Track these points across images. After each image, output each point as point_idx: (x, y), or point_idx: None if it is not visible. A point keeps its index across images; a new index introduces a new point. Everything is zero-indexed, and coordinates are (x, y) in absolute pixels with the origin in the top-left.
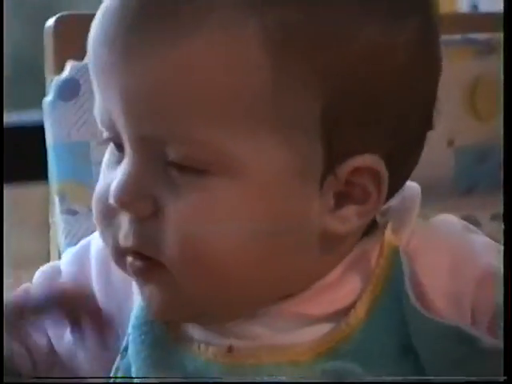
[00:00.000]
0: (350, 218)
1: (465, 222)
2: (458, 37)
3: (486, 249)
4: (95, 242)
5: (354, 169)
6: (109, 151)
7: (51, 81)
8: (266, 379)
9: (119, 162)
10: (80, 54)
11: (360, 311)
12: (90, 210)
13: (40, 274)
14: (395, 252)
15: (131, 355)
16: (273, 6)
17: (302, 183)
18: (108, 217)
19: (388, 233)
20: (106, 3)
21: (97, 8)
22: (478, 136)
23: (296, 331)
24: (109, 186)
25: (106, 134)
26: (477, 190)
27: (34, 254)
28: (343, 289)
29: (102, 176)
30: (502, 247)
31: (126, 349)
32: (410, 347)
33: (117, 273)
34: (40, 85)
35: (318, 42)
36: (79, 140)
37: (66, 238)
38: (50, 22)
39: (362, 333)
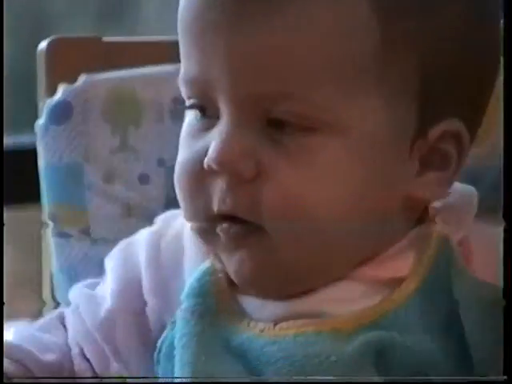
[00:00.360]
0: (431, 185)
1: None
2: None
3: None
4: (140, 235)
5: (441, 133)
6: (189, 123)
7: (44, 104)
8: (266, 379)
9: (207, 128)
10: (72, 77)
11: (407, 288)
12: (82, 233)
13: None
14: (446, 242)
15: (179, 324)
16: None
17: (397, 146)
18: (199, 185)
19: (440, 225)
20: None
21: (89, 32)
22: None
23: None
24: (199, 152)
25: (192, 101)
26: None
27: (27, 276)
28: (399, 262)
29: (183, 148)
30: None
31: (174, 322)
32: (454, 324)
33: (166, 254)
34: (33, 108)
35: (421, 4)
36: (71, 163)
37: (58, 260)
38: (43, 44)
39: (407, 309)
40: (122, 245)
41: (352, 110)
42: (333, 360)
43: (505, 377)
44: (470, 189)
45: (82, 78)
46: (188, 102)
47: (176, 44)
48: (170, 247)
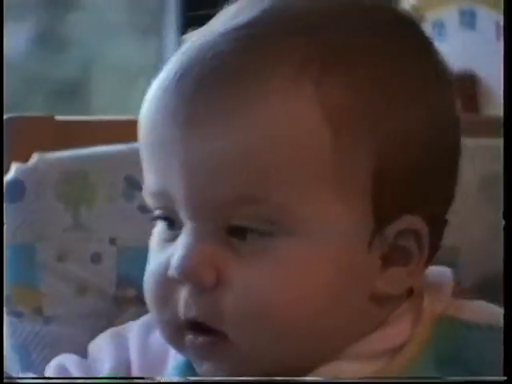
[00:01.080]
0: (395, 280)
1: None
2: None
3: None
4: (131, 325)
5: (398, 231)
6: (158, 232)
7: None
8: (266, 379)
9: (172, 239)
10: (26, 156)
11: (410, 350)
12: (35, 312)
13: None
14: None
15: None
16: (330, 75)
17: (357, 245)
18: (166, 293)
19: (428, 301)
20: (161, 77)
21: (46, 111)
22: None
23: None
24: (163, 264)
25: (158, 212)
26: None
27: None
28: (394, 329)
29: (152, 257)
30: None
31: None
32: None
33: (154, 345)
34: None
35: (373, 110)
36: (24, 242)
37: (10, 339)
38: None
39: (412, 370)
40: (110, 333)
41: (310, 211)
42: None
43: (505, 377)
44: (444, 271)
45: (35, 157)
46: (155, 213)
47: (128, 123)
48: (158, 340)
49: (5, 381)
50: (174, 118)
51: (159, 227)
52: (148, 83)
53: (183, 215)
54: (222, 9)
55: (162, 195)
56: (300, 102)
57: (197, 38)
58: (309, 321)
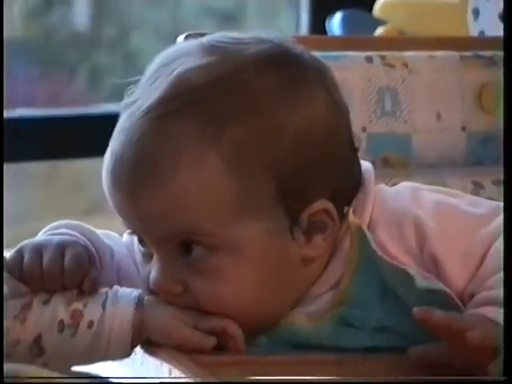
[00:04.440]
0: (319, 244)
1: (415, 185)
2: (470, 53)
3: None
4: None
5: (310, 214)
6: (136, 243)
7: None
8: (266, 379)
9: (148, 255)
10: None
11: (346, 281)
12: None
13: None
14: (360, 230)
15: None
16: (224, 136)
17: (280, 241)
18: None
19: (351, 217)
20: (107, 156)
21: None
22: (483, 124)
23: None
24: (146, 278)
25: (131, 232)
26: (482, 162)
27: None
28: (331, 271)
29: (140, 265)
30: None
31: None
32: (387, 289)
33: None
34: None
35: (259, 148)
36: None
37: None
38: None
39: (353, 292)
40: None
41: (231, 233)
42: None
43: (505, 377)
44: (366, 168)
45: None
46: (129, 231)
47: None
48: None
49: (5, 381)
50: (120, 188)
51: (135, 238)
52: None
53: (148, 243)
54: None
55: (129, 227)
56: (206, 165)
57: (124, 116)
58: (249, 308)
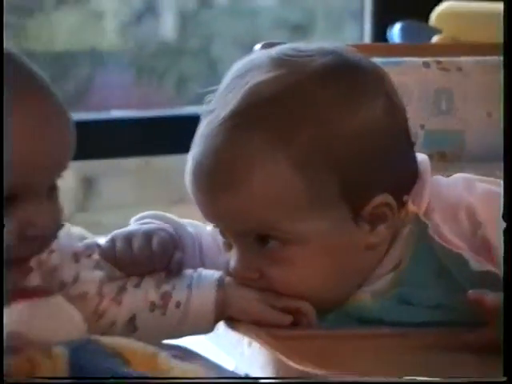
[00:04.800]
0: (382, 232)
1: (467, 176)
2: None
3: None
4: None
5: (372, 207)
6: (218, 233)
7: None
8: (265, 379)
9: (228, 244)
10: None
11: (405, 263)
12: None
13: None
14: (417, 218)
15: None
16: (292, 143)
17: (345, 232)
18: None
19: (410, 205)
20: (189, 160)
21: None
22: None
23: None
24: (227, 261)
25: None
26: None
27: None
28: (392, 254)
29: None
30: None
31: None
32: (442, 271)
33: None
34: None
35: (324, 152)
36: None
37: None
38: None
39: (411, 273)
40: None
41: (302, 227)
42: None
43: (505, 377)
44: (422, 161)
45: None
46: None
47: None
48: None
49: (5, 381)
50: (201, 190)
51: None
52: None
53: (228, 237)
54: None
55: (210, 223)
56: (276, 169)
57: (204, 123)
58: (319, 291)
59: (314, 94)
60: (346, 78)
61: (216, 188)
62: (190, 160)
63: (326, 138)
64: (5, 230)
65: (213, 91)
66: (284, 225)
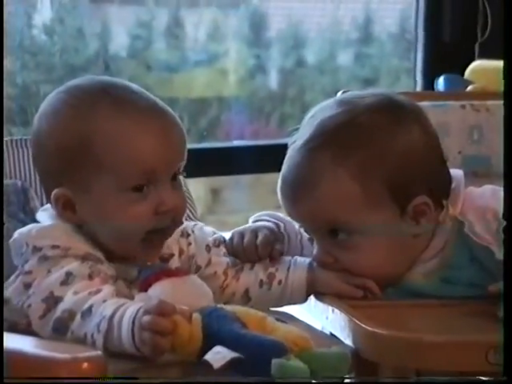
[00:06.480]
0: (423, 224)
1: (493, 187)
2: None
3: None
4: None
5: (414, 205)
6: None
7: None
8: (266, 379)
9: (311, 239)
10: None
11: (447, 250)
12: None
13: None
14: (456, 218)
15: None
16: (349, 159)
17: (396, 225)
18: None
19: (450, 208)
20: (280, 176)
21: None
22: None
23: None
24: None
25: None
26: None
27: None
28: (435, 243)
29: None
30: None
31: None
32: (474, 258)
33: None
34: None
35: (374, 166)
36: None
37: None
38: None
39: (452, 258)
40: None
41: (364, 220)
42: None
43: (505, 377)
44: (456, 174)
45: None
46: None
47: None
48: None
49: (5, 381)
50: (286, 198)
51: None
52: None
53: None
54: None
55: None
56: (339, 180)
57: (289, 150)
58: (381, 271)
59: (365, 123)
60: (389, 111)
61: (296, 195)
62: (280, 175)
63: (374, 156)
64: (143, 208)
65: (297, 129)
66: (348, 220)
